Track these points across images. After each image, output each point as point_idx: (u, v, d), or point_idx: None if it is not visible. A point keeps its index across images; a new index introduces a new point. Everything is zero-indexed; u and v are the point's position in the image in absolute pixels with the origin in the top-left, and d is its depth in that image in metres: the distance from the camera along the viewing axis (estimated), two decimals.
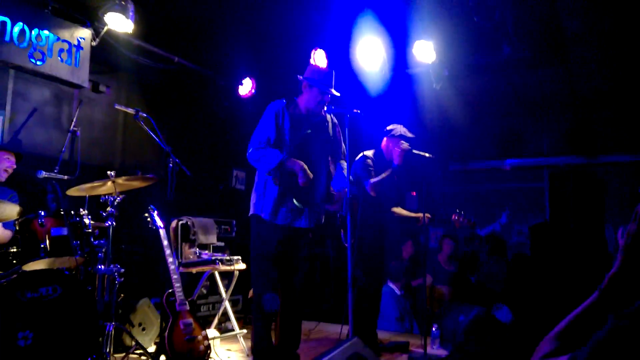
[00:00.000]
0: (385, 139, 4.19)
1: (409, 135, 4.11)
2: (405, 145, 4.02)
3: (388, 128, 4.20)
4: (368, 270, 4.05)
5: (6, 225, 3.61)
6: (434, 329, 4.35)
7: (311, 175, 3.26)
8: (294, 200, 3.36)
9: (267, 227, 3.36)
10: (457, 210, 4.34)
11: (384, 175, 3.94)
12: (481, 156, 7.03)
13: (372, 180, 3.96)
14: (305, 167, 3.24)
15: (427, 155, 4.22)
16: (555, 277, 5.59)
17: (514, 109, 6.33)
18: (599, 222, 6.34)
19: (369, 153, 4.17)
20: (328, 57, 5.16)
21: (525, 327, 4.56)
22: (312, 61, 5.20)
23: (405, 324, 5.30)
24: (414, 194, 7.05)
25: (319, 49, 5.17)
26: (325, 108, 3.52)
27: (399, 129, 4.15)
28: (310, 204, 3.43)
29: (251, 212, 3.46)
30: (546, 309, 5.25)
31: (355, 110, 3.48)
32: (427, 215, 4.14)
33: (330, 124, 3.61)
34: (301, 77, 3.47)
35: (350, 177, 3.88)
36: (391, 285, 5.41)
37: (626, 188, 6.17)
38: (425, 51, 4.68)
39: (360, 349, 2.57)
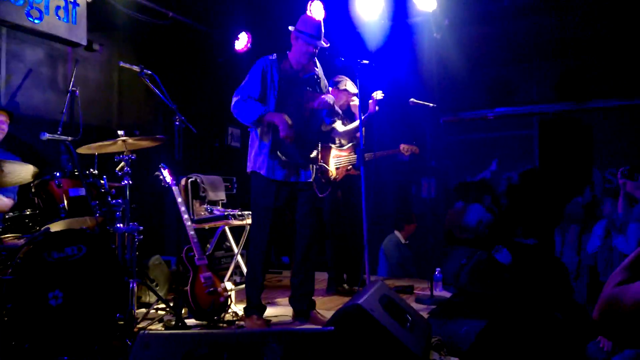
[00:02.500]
0: (341, 94, 4.31)
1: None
2: (379, 95, 4.20)
3: (339, 81, 4.33)
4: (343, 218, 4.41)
5: (6, 193, 3.58)
6: (436, 272, 4.53)
7: (290, 124, 3.22)
8: (282, 155, 3.36)
9: (265, 183, 3.41)
10: (403, 141, 4.50)
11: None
12: (472, 105, 7.11)
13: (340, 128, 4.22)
14: (286, 118, 3.22)
15: (430, 105, 4.31)
16: (545, 221, 5.84)
17: (507, 57, 6.37)
18: (587, 167, 6.57)
19: None
20: (326, 8, 5.09)
21: (524, 268, 4.80)
22: (308, 13, 5.13)
23: (407, 268, 5.51)
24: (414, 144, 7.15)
25: (315, 0, 5.09)
26: (317, 63, 3.49)
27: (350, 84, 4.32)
28: (303, 159, 3.45)
29: (249, 168, 3.50)
30: (539, 250, 5.51)
31: (363, 62, 3.50)
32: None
33: (322, 81, 3.58)
34: (292, 28, 3.41)
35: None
36: (397, 234, 5.60)
37: (614, 132, 6.36)
38: None
39: (387, 291, 2.71)
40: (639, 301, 0.93)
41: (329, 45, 3.44)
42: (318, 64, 3.57)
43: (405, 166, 6.70)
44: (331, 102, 3.46)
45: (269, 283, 5.11)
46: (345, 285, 4.54)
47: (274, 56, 3.43)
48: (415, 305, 3.99)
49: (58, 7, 4.03)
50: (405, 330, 2.33)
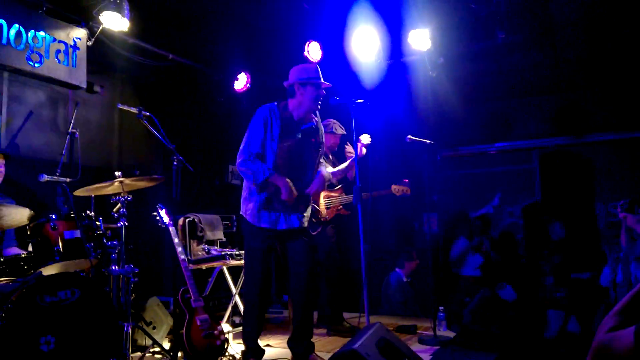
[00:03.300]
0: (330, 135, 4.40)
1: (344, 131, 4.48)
2: (366, 139, 4.28)
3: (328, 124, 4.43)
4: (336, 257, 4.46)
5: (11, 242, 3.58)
6: (440, 311, 4.44)
7: (295, 194, 3.27)
8: (273, 210, 3.35)
9: (252, 229, 3.41)
10: (395, 182, 4.50)
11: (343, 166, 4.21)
12: (471, 141, 7.13)
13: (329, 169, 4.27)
14: (290, 184, 3.25)
15: (427, 141, 4.34)
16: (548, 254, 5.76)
17: (503, 93, 6.43)
18: (589, 200, 6.52)
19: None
20: (322, 48, 5.18)
21: (528, 304, 4.70)
22: (306, 54, 5.22)
23: (410, 307, 5.41)
24: (407, 181, 7.15)
25: (313, 42, 5.19)
26: (318, 110, 3.50)
27: (337, 126, 4.47)
28: (295, 210, 3.43)
29: (241, 211, 3.50)
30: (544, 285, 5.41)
31: (358, 100, 3.52)
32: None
33: (320, 130, 3.57)
34: (288, 83, 3.40)
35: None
36: (398, 271, 5.53)
37: (614, 165, 6.34)
38: (420, 39, 4.73)
39: (384, 334, 2.65)
40: (630, 349, 0.90)
41: (331, 85, 3.45)
42: (317, 113, 3.55)
43: (407, 202, 6.68)
44: (327, 179, 3.59)
45: (270, 322, 5.02)
46: (345, 324, 4.46)
47: (274, 105, 3.42)
48: (418, 346, 3.91)
49: (58, 51, 4.11)
50: None
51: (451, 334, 4.26)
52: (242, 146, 3.37)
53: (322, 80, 3.40)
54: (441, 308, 4.45)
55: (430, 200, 5.75)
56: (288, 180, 3.26)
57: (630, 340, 0.92)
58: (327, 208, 4.36)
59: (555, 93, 6.40)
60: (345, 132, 4.46)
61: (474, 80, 5.76)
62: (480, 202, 7.17)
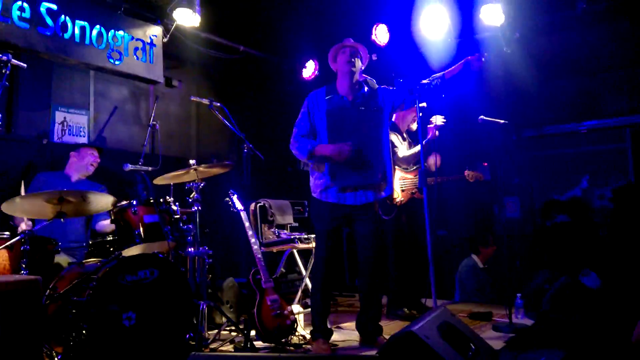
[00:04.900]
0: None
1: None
2: (439, 120, 4.11)
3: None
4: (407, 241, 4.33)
5: (105, 216, 3.90)
6: (517, 298, 4.26)
7: (347, 150, 3.24)
8: (339, 180, 3.36)
9: (320, 206, 3.45)
10: (467, 167, 4.35)
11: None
12: (555, 120, 6.72)
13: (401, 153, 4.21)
14: (338, 148, 3.26)
15: (500, 121, 4.14)
16: None
17: (588, 67, 5.97)
18: None
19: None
20: (390, 31, 5.09)
21: (613, 293, 4.38)
22: (373, 37, 5.17)
23: (486, 294, 5.24)
24: (486, 164, 6.88)
25: (380, 24, 5.12)
26: (366, 83, 3.48)
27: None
28: (362, 181, 3.39)
29: (311, 193, 3.56)
30: (633, 274, 5.01)
31: (423, 81, 3.45)
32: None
33: (375, 95, 3.49)
34: (331, 65, 3.54)
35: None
36: (474, 257, 5.37)
37: None
38: (493, 14, 4.51)
39: (448, 318, 2.59)
40: None
41: (361, 46, 3.47)
42: (370, 81, 3.52)
43: (483, 186, 6.44)
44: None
45: (341, 306, 5.08)
46: (405, 310, 4.39)
47: (322, 88, 3.52)
48: (492, 334, 3.78)
49: (136, 49, 4.38)
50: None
51: (529, 322, 4.08)
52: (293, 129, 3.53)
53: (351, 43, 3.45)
54: (518, 295, 4.27)
55: (508, 184, 5.51)
56: (335, 145, 3.29)
57: None
58: (402, 190, 4.25)
59: None
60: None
61: (554, 55, 5.40)
62: (566, 185, 6.76)
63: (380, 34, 5.12)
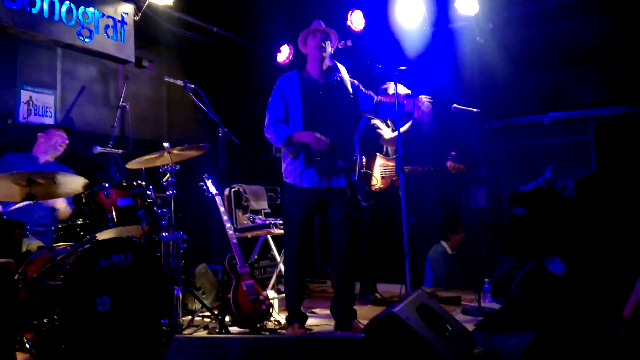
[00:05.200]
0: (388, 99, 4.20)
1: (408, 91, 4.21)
2: (427, 104, 3.88)
3: (387, 87, 4.25)
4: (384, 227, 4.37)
5: (68, 201, 3.79)
6: (485, 283, 4.38)
7: (325, 139, 3.26)
8: (314, 166, 3.37)
9: (293, 192, 3.44)
10: (449, 157, 4.40)
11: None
12: (523, 111, 6.88)
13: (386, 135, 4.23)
14: (317, 134, 3.25)
15: (474, 110, 4.20)
16: (603, 229, 5.53)
17: (556, 60, 6.14)
18: None
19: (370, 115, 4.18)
20: (365, 17, 5.09)
21: (578, 278, 4.55)
22: (348, 23, 5.15)
23: (454, 280, 5.36)
24: (453, 153, 7.00)
25: (356, 10, 5.11)
26: (337, 67, 3.48)
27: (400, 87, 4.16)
28: (335, 164, 3.42)
29: (283, 177, 3.55)
30: (596, 261, 5.22)
31: (401, 68, 3.46)
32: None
33: (346, 82, 3.52)
34: (301, 48, 3.51)
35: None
36: (443, 244, 5.48)
37: None
38: (468, 3, 4.57)
39: (426, 300, 2.64)
40: None
41: (331, 31, 3.45)
42: (340, 67, 3.54)
43: (454, 175, 6.56)
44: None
45: (314, 292, 5.11)
46: (377, 295, 4.47)
47: (294, 71, 3.49)
48: (462, 317, 3.87)
49: (107, 26, 4.24)
50: (443, 340, 2.26)
51: (496, 306, 4.20)
52: (266, 115, 3.47)
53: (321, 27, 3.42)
54: (486, 280, 4.39)
55: (477, 174, 5.61)
56: (313, 132, 3.27)
57: None
58: (382, 177, 4.26)
59: (613, 59, 6.05)
60: (409, 91, 4.18)
61: (525, 47, 5.52)
62: (531, 175, 6.95)
63: (356, 20, 5.12)
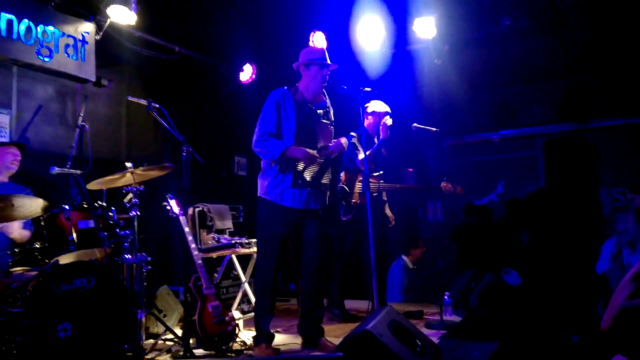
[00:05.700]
0: (370, 117, 4.46)
1: (387, 108, 4.46)
2: (389, 121, 4.32)
3: (367, 106, 4.46)
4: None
5: (25, 225, 3.65)
6: (446, 296, 4.49)
7: (316, 155, 3.37)
8: (299, 186, 3.44)
9: (273, 209, 3.44)
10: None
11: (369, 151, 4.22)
12: (476, 129, 7.14)
13: (360, 156, 4.29)
14: (309, 150, 3.35)
15: (433, 129, 4.37)
16: (554, 241, 5.79)
17: (508, 79, 6.43)
18: (593, 186, 6.54)
19: (354, 133, 4.44)
20: (327, 38, 5.20)
21: (533, 288, 4.75)
22: (310, 44, 5.25)
23: (416, 294, 5.48)
24: (411, 170, 7.17)
25: (317, 32, 5.21)
26: (325, 94, 3.59)
27: (378, 104, 4.46)
28: (316, 187, 3.52)
29: (259, 193, 3.55)
30: (548, 271, 5.45)
31: (366, 89, 3.57)
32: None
33: (331, 110, 3.68)
34: (296, 65, 3.54)
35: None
36: (405, 258, 5.59)
37: (618, 151, 6.35)
38: (426, 27, 4.76)
39: (395, 316, 2.70)
40: None
41: (337, 67, 3.56)
42: (326, 94, 3.65)
43: (412, 191, 6.72)
44: (345, 146, 3.60)
45: (276, 310, 5.08)
46: (344, 310, 4.54)
47: (285, 89, 3.53)
48: (425, 331, 3.94)
49: (67, 45, 4.16)
50: (414, 355, 2.32)
51: (457, 319, 4.31)
52: (256, 129, 3.48)
53: (327, 61, 3.49)
54: (447, 293, 4.51)
55: (435, 189, 5.79)
56: (306, 149, 3.36)
57: None
58: (359, 193, 4.36)
59: (560, 79, 6.40)
60: (388, 109, 4.47)
61: (479, 68, 5.77)
62: (485, 190, 7.19)
63: (318, 41, 5.23)
